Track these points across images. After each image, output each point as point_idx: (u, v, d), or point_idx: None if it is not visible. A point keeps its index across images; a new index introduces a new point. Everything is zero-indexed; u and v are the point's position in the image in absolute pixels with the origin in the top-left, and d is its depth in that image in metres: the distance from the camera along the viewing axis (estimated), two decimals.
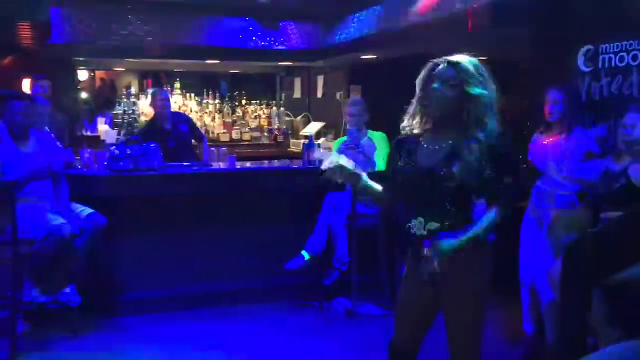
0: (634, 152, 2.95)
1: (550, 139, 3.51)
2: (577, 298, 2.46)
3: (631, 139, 3.00)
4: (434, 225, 2.17)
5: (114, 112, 7.24)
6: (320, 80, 7.36)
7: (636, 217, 2.19)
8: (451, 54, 2.24)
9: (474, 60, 2.21)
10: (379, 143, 4.52)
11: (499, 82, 2.23)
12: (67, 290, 3.92)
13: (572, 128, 3.42)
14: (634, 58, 3.31)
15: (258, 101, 8.22)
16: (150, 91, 7.55)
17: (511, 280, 3.73)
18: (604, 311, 2.59)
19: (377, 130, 4.54)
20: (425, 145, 2.27)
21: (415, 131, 2.29)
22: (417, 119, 2.28)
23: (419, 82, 2.27)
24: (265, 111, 8.15)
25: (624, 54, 3.37)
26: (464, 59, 2.19)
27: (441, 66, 2.20)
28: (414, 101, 2.29)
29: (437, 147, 2.23)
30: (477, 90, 2.14)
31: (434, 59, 2.26)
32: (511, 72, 5.34)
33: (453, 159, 2.15)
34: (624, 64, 3.38)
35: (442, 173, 2.15)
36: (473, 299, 2.20)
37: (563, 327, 2.86)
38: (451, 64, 2.18)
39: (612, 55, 3.45)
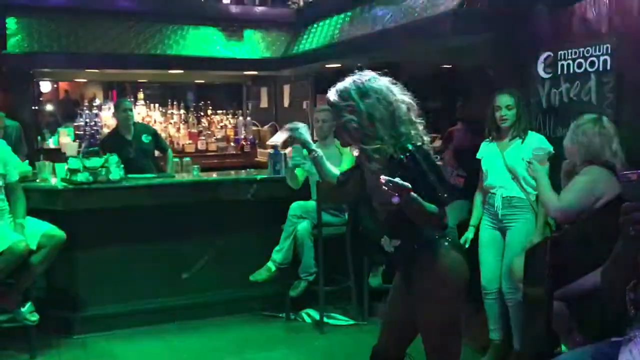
0: None
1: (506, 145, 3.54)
2: (540, 304, 2.46)
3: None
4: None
5: (76, 124, 7.09)
6: (287, 89, 7.32)
7: (593, 223, 2.20)
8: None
9: (343, 85, 2.22)
10: (344, 151, 4.50)
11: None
12: (24, 308, 3.78)
13: (526, 132, 3.46)
14: (591, 64, 3.35)
15: (224, 111, 8.14)
16: (109, 103, 7.42)
17: (478, 289, 3.73)
18: (564, 317, 2.60)
19: None
20: None
21: None
22: None
23: None
24: (232, 121, 8.08)
25: (582, 60, 3.41)
26: (332, 92, 2.24)
27: None
28: None
29: None
30: (345, 118, 2.19)
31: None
32: (474, 79, 5.40)
33: None
34: (581, 70, 3.41)
35: None
36: (433, 305, 2.19)
37: (527, 332, 2.86)
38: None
39: (570, 62, 3.48)
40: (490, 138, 3.63)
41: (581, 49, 3.41)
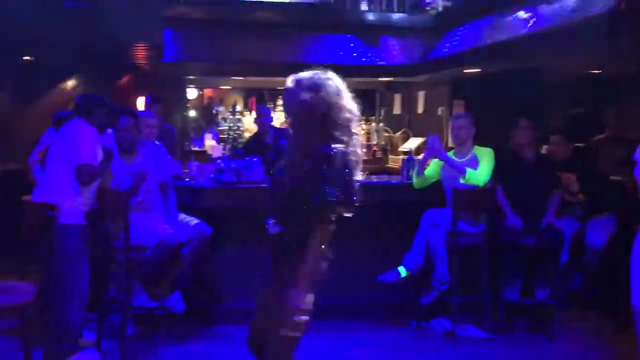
0: None
1: None
2: None
3: None
4: None
5: (220, 129, 7.55)
6: (421, 96, 7.27)
7: None
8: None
9: (303, 75, 2.46)
10: (482, 157, 4.38)
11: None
12: (173, 296, 4.08)
13: None
14: None
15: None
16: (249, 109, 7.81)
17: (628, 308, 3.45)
18: None
19: (483, 145, 4.44)
20: None
21: None
22: None
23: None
24: (364, 127, 8.15)
25: None
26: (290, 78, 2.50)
27: None
28: None
29: None
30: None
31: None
32: (626, 83, 5.01)
33: None
34: None
35: None
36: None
37: None
38: None
39: None
40: None
41: None
